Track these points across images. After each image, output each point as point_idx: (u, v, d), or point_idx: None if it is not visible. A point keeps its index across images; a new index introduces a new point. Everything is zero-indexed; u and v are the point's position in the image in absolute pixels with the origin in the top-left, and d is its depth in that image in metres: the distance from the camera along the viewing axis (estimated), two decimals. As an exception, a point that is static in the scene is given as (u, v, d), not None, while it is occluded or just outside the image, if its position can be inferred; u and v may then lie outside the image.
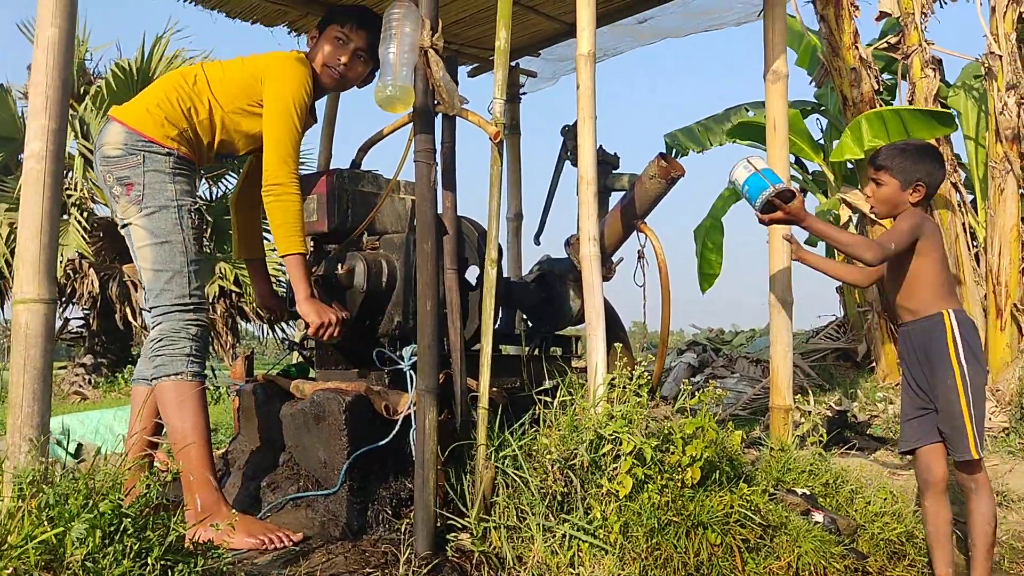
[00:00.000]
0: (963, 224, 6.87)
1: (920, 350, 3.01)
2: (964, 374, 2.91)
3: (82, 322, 12.35)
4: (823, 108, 8.11)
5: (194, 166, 3.02)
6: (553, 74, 5.66)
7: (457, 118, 3.00)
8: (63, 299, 11.46)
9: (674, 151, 8.70)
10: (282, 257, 2.95)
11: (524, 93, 5.47)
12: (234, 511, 2.76)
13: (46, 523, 1.74)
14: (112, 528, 1.78)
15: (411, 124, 2.96)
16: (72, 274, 11.21)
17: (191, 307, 2.86)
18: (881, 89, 7.09)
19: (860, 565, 3.18)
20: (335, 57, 3.19)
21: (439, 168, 2.94)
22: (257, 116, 3.04)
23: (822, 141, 8.07)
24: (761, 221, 3.08)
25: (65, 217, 10.72)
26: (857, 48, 6.78)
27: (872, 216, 3.15)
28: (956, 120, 6.33)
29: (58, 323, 12.38)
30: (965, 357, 2.92)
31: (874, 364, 7.31)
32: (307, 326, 2.97)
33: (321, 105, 4.41)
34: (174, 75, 3.09)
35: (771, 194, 2.98)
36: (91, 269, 11.22)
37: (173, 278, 2.84)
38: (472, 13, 4.70)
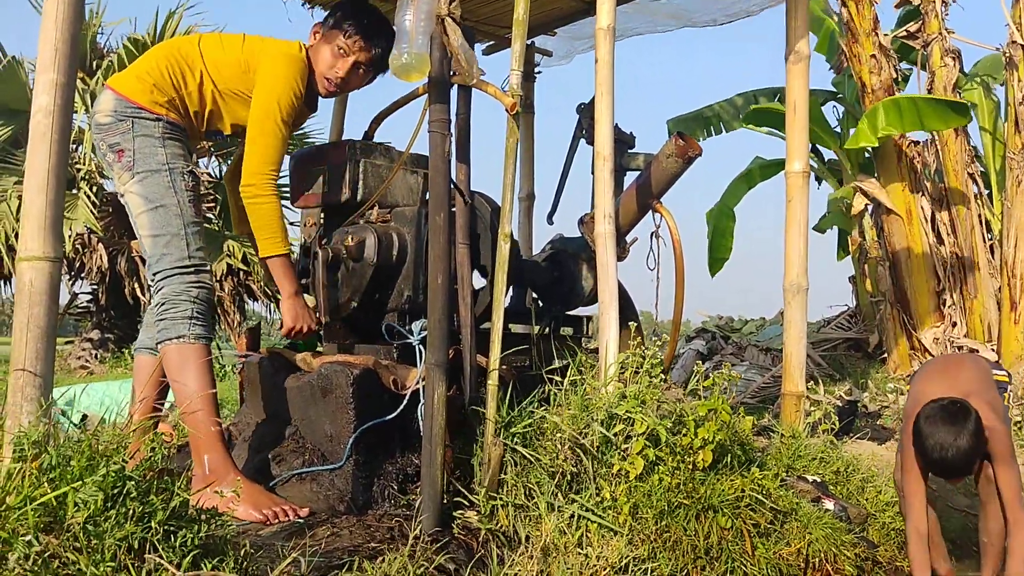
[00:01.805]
0: (979, 216, 6.80)
1: None
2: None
3: (90, 297, 12.35)
4: (840, 96, 8.03)
5: (186, 132, 2.98)
6: (568, 53, 5.59)
7: (472, 90, 2.95)
8: (72, 273, 11.46)
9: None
10: (262, 261, 2.94)
11: (539, 72, 5.41)
12: (242, 477, 2.74)
13: (47, 485, 1.70)
14: (115, 491, 1.74)
15: (425, 96, 2.91)
16: (81, 248, 11.20)
17: (191, 269, 2.82)
18: (899, 78, 7.01)
19: (870, 554, 3.14)
20: (332, 69, 3.09)
21: (453, 140, 2.89)
22: (246, 103, 2.99)
23: (838, 129, 7.99)
24: None
25: (74, 191, 10.70)
26: (877, 35, 6.70)
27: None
28: (971, 112, 6.24)
29: (67, 297, 12.41)
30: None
31: (885, 355, 7.25)
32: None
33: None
34: (168, 44, 3.07)
35: None
36: (100, 244, 11.20)
37: (170, 242, 2.81)
38: (489, -12, 4.63)
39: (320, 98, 3.25)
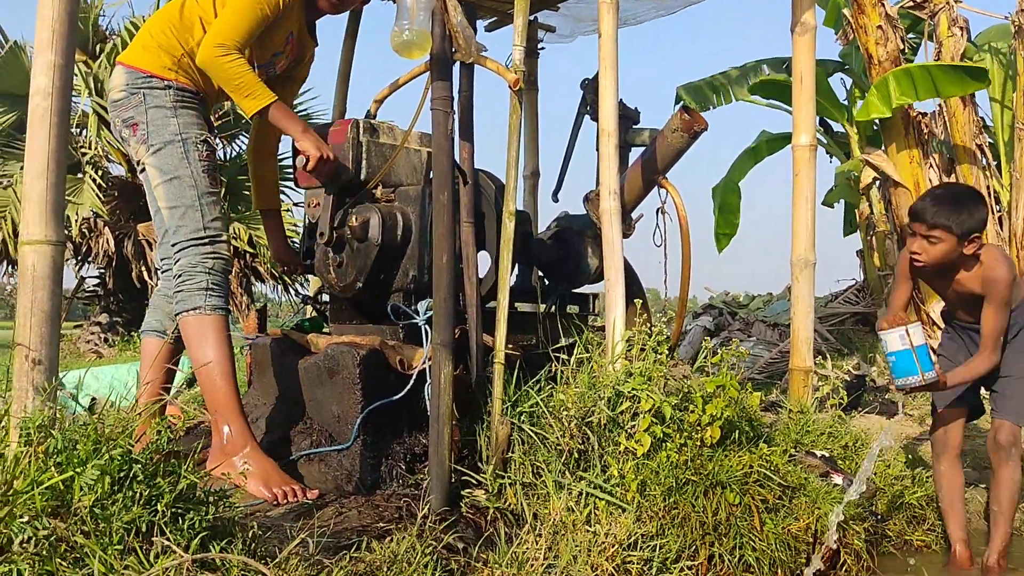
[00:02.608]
0: (987, 188, 6.73)
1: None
2: None
3: (97, 281, 12.37)
4: (847, 67, 7.93)
5: (199, 97, 2.95)
6: (571, 32, 5.53)
7: (475, 66, 2.92)
8: (78, 257, 11.48)
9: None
10: (252, 116, 2.90)
11: (543, 48, 5.36)
12: (259, 450, 2.75)
13: (53, 469, 1.71)
14: (122, 475, 1.74)
15: (427, 74, 2.88)
16: (87, 233, 11.20)
17: (206, 240, 2.82)
18: (906, 49, 6.92)
19: (879, 528, 3.14)
20: None
21: (456, 117, 2.86)
22: None
23: (846, 101, 7.91)
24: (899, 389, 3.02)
25: (80, 176, 10.69)
26: (883, 5, 6.60)
27: (917, 262, 3.01)
28: (987, 76, 6.15)
29: (74, 282, 12.44)
30: None
31: (893, 329, 7.20)
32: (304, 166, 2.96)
33: (334, 57, 4.33)
34: (165, 7, 3.03)
35: (918, 384, 2.90)
36: (106, 228, 11.19)
37: (186, 213, 2.81)
38: (490, -36, 4.58)
39: (316, 32, 3.23)
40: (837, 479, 3.23)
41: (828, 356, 6.37)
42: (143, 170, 2.88)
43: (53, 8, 2.03)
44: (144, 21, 10.68)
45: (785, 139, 7.97)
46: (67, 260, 9.98)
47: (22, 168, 10.17)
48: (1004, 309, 2.91)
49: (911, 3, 6.84)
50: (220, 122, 11.24)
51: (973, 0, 7.53)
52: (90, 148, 10.85)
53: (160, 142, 2.83)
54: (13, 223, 10.34)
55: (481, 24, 5.34)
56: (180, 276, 2.80)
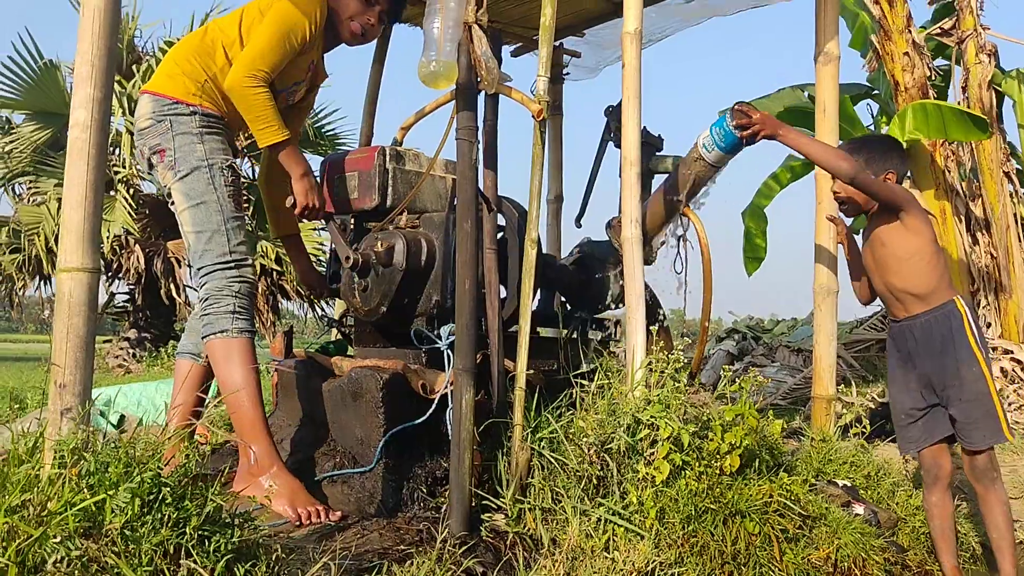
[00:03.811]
0: (1014, 215, 6.69)
1: (937, 341, 2.90)
2: (987, 360, 2.86)
3: (127, 297, 12.56)
4: (876, 92, 7.92)
5: (223, 122, 3.03)
6: (596, 64, 5.58)
7: (500, 96, 2.97)
8: (109, 274, 11.67)
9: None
10: (264, 148, 2.99)
11: (567, 74, 5.41)
12: (285, 470, 2.79)
13: (86, 491, 1.76)
14: (151, 497, 1.79)
15: (453, 102, 2.93)
16: (118, 249, 11.39)
17: (232, 264, 2.89)
18: (934, 76, 6.91)
19: (900, 559, 3.12)
20: (364, 15, 3.19)
21: (480, 146, 2.91)
22: None
23: (872, 127, 7.89)
24: (744, 137, 3.11)
25: (112, 193, 10.89)
26: (910, 32, 6.61)
27: (841, 214, 3.14)
28: (989, 127, 6.13)
29: (104, 297, 12.63)
30: (982, 343, 2.88)
31: (918, 356, 7.13)
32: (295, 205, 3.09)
33: (362, 81, 4.41)
34: (189, 35, 3.15)
35: (730, 118, 3.11)
36: (136, 245, 11.38)
37: (212, 237, 2.89)
38: (517, -9, 4.65)
39: (332, 49, 3.35)
40: (858, 509, 3.23)
41: (853, 383, 6.34)
42: (170, 195, 2.96)
43: (93, 43, 2.11)
44: (179, 41, 10.94)
45: (809, 165, 7.96)
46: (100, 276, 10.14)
47: (56, 185, 10.45)
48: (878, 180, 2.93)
49: (939, 30, 6.84)
50: (249, 141, 11.42)
51: (1002, 27, 7.51)
52: (123, 167, 11.05)
53: (187, 168, 2.90)
54: (46, 239, 10.55)
55: (507, 49, 5.41)
56: (207, 300, 2.87)
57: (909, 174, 7.00)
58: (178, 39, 10.91)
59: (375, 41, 4.14)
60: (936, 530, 3.04)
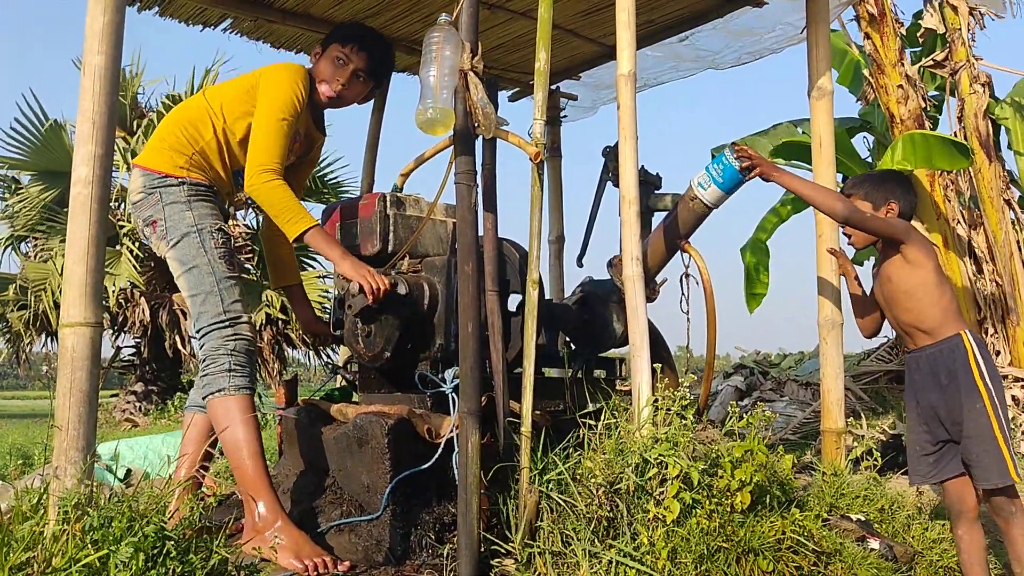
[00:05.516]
0: (1017, 243, 6.69)
1: (943, 375, 2.89)
2: (992, 396, 2.81)
3: (133, 350, 12.58)
4: (870, 126, 7.98)
5: (212, 189, 3.09)
6: (592, 103, 5.65)
7: (498, 140, 2.99)
8: (115, 327, 11.70)
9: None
10: (295, 240, 3.00)
11: (564, 116, 5.47)
12: (290, 523, 2.77)
13: (90, 546, 1.74)
14: (155, 551, 1.78)
15: (451, 147, 2.96)
16: (124, 303, 11.45)
17: (227, 323, 2.92)
18: (928, 107, 6.96)
19: (918, 593, 3.07)
20: (334, 77, 3.25)
21: (480, 190, 2.93)
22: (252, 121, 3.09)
23: (869, 159, 7.94)
24: (744, 169, 3.17)
25: (117, 248, 10.96)
26: (903, 65, 6.68)
27: (848, 247, 3.18)
28: (971, 155, 6.17)
29: (110, 351, 12.65)
30: (990, 377, 2.84)
31: (928, 386, 7.08)
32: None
33: (362, 130, 4.46)
34: (176, 108, 3.22)
35: (730, 152, 3.19)
36: (142, 298, 11.44)
37: (206, 299, 2.92)
38: (512, 38, 4.72)
39: (324, 124, 3.42)
40: (874, 543, 3.18)
41: (863, 415, 6.29)
42: (167, 263, 3.01)
43: (94, 102, 2.14)
44: (182, 98, 11.09)
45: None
46: (104, 330, 10.18)
47: (61, 241, 10.52)
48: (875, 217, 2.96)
49: (931, 62, 6.92)
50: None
51: (996, 57, 7.58)
52: (128, 221, 11.14)
53: (178, 235, 2.96)
54: (52, 294, 10.60)
55: (504, 94, 5.48)
56: (205, 360, 2.91)
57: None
58: (181, 96, 11.14)
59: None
60: (964, 564, 2.99)
